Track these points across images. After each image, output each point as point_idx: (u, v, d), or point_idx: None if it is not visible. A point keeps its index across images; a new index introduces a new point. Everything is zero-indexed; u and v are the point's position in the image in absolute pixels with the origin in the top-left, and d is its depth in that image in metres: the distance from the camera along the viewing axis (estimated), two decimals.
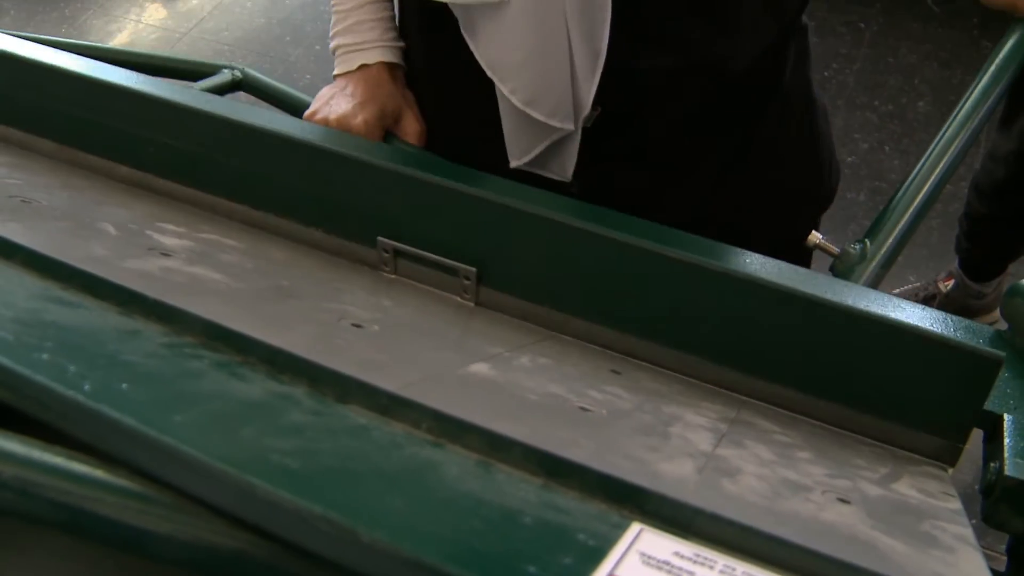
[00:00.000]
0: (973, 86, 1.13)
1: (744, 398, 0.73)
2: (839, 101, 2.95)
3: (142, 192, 0.91)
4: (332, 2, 1.09)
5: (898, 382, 0.67)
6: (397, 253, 0.83)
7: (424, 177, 0.80)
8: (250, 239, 0.85)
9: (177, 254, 0.73)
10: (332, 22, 1.09)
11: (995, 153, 2.02)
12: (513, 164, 1.03)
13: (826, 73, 3.04)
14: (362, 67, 1.07)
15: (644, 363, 0.76)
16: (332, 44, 1.09)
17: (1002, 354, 0.64)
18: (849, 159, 2.76)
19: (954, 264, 2.27)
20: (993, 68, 1.13)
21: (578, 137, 0.99)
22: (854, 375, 0.69)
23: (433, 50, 1.07)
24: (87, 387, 0.46)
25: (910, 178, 1.09)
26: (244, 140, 0.87)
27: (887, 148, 2.80)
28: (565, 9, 0.88)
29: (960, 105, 1.11)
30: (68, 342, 0.52)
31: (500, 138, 1.03)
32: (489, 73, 0.95)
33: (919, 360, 0.66)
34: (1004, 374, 0.70)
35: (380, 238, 0.83)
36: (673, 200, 1.07)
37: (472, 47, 0.95)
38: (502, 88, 0.95)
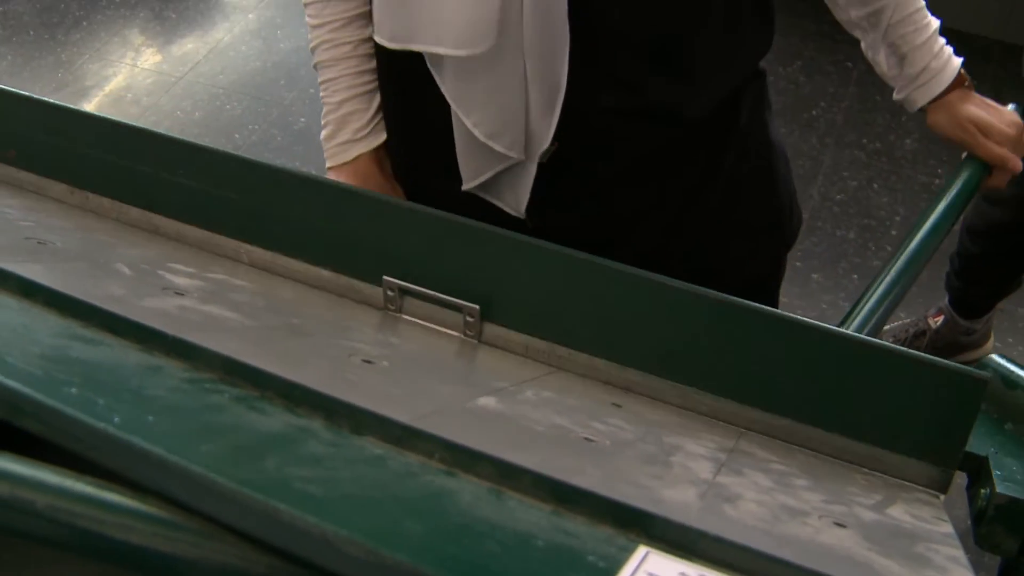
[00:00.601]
0: (921, 219, 1.17)
1: (742, 429, 0.75)
2: (828, 139, 2.99)
3: (151, 233, 0.93)
4: (322, 93, 1.14)
5: (890, 408, 0.70)
6: (402, 291, 0.86)
7: (428, 215, 0.82)
8: (258, 279, 0.87)
9: (190, 293, 0.75)
10: (323, 112, 1.14)
11: (992, 195, 2.02)
12: (465, 186, 1.06)
13: (814, 112, 3.09)
14: (352, 160, 1.13)
15: (644, 396, 0.78)
16: (322, 137, 1.14)
17: (987, 375, 0.67)
18: (838, 197, 2.80)
19: (944, 300, 2.29)
20: (942, 206, 1.17)
21: (533, 171, 1.02)
22: (848, 403, 0.71)
23: (397, 80, 1.12)
24: (116, 419, 0.48)
25: (858, 307, 1.10)
26: (253, 180, 0.89)
27: (876, 185, 2.84)
28: (523, 47, 0.92)
29: (908, 238, 1.14)
30: (94, 377, 0.54)
31: (456, 167, 1.06)
32: (454, 106, 0.99)
33: (909, 385, 0.69)
34: (980, 429, 0.73)
35: (386, 277, 0.86)
36: (629, 241, 1.11)
37: (439, 82, 0.99)
38: (465, 121, 0.99)
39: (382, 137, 1.14)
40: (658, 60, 1.00)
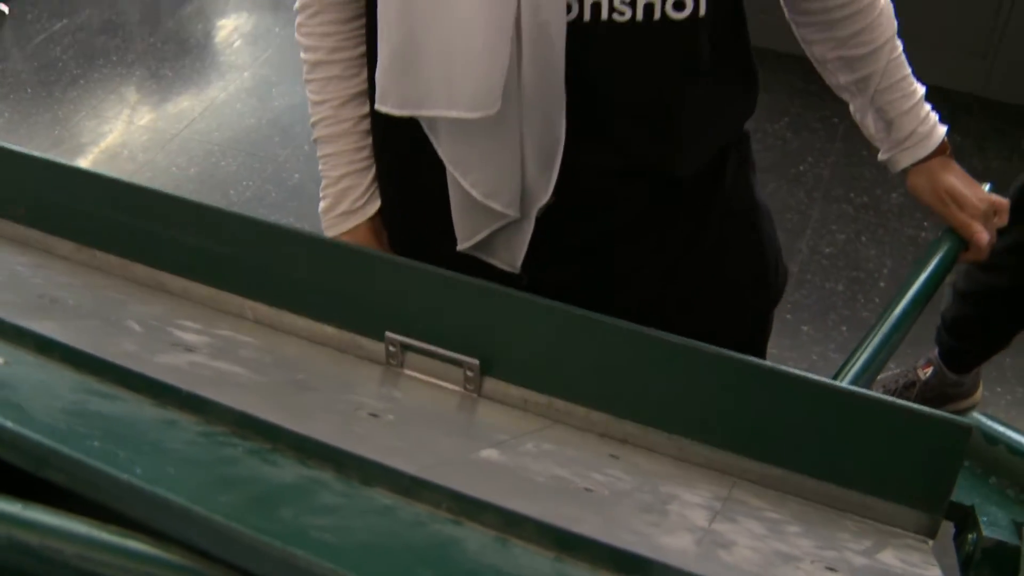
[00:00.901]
0: (900, 292, 1.21)
1: (735, 478, 0.77)
2: (816, 194, 3.03)
3: (158, 290, 0.96)
4: (321, 166, 1.18)
5: (878, 457, 0.72)
6: (404, 347, 0.88)
7: (428, 272, 0.85)
8: (264, 335, 0.90)
9: (200, 349, 0.77)
10: (322, 184, 1.19)
11: (985, 262, 2.03)
12: (461, 246, 1.09)
13: (802, 167, 3.14)
14: (350, 230, 1.18)
15: (640, 447, 0.80)
16: (321, 209, 1.19)
17: (971, 422, 0.69)
18: (827, 250, 2.84)
19: (934, 351, 2.31)
20: (922, 278, 1.22)
21: (529, 228, 1.05)
22: (837, 452, 0.73)
23: (393, 146, 1.15)
24: (138, 471, 0.50)
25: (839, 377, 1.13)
26: (256, 238, 0.92)
27: (863, 239, 2.88)
28: (522, 109, 0.96)
29: (887, 311, 1.18)
30: (114, 431, 0.57)
31: (451, 228, 1.09)
32: (451, 168, 1.02)
33: (895, 433, 0.71)
34: (965, 482, 0.75)
35: (388, 333, 0.88)
36: (620, 296, 1.14)
37: (435, 145, 1.02)
38: (463, 182, 1.02)
39: (377, 204, 1.19)
40: (648, 123, 1.04)
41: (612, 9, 0.95)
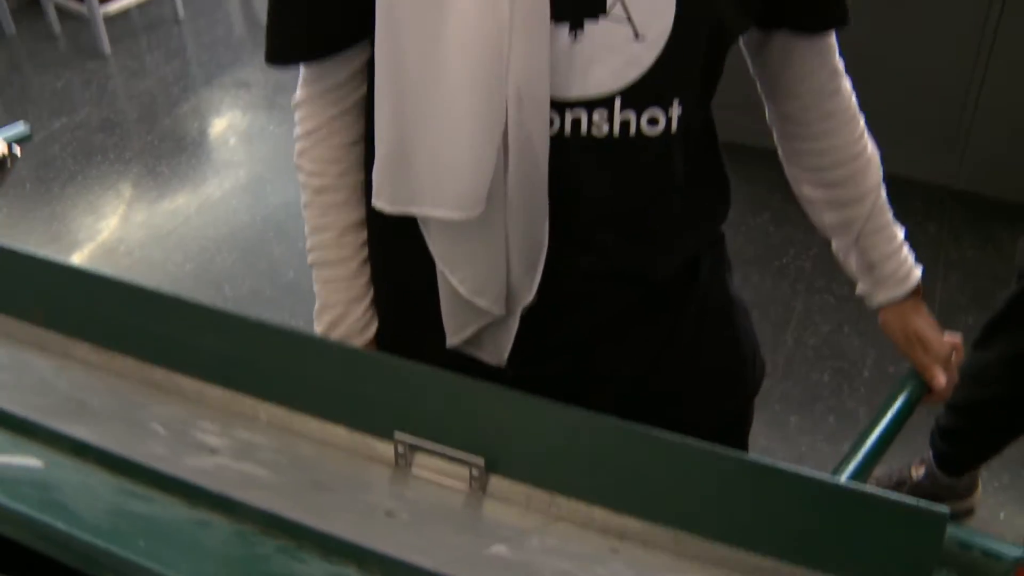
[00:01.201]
0: (865, 432, 1.27)
1: (729, 570, 0.82)
2: (799, 286, 3.10)
3: (175, 392, 1.00)
4: (316, 287, 1.21)
5: (863, 545, 0.77)
6: (412, 447, 0.92)
7: (434, 375, 0.90)
8: (278, 436, 0.94)
9: (222, 452, 0.82)
10: (318, 306, 1.21)
11: (976, 375, 2.04)
12: (450, 342, 1.14)
13: (784, 260, 3.21)
14: None
15: (639, 540, 0.85)
16: (318, 331, 1.21)
17: (946, 509, 0.74)
18: (811, 341, 2.90)
19: (928, 452, 2.31)
20: (887, 418, 1.29)
21: (515, 325, 1.11)
22: (826, 542, 0.78)
23: (386, 243, 1.20)
24: (184, 568, 0.55)
25: None
26: (266, 342, 0.97)
27: (846, 329, 2.94)
28: (507, 214, 1.01)
29: (852, 451, 1.24)
30: (155, 531, 0.61)
31: (439, 324, 1.14)
32: (440, 265, 1.08)
33: (878, 522, 0.76)
34: None
35: (396, 433, 0.93)
36: (602, 389, 1.20)
37: (428, 242, 1.07)
38: (451, 279, 1.07)
39: (375, 327, 1.23)
40: (625, 231, 1.10)
41: (591, 124, 1.01)
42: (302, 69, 1.13)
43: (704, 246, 1.22)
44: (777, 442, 2.55)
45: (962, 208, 3.40)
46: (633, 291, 1.16)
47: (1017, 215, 3.37)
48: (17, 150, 1.42)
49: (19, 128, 1.48)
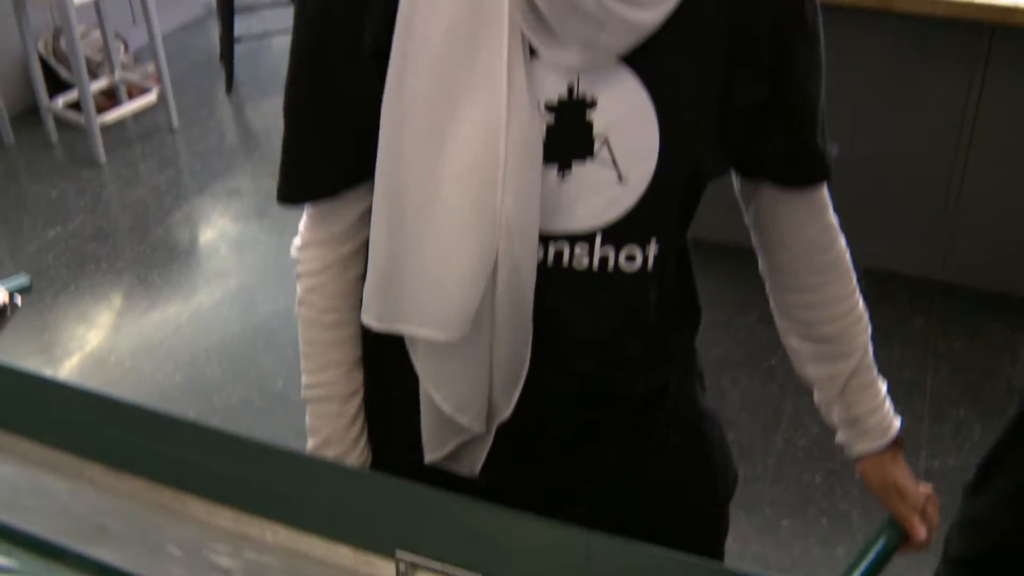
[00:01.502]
0: None
1: None
2: (788, 387, 3.11)
3: (186, 514, 1.02)
4: (311, 422, 1.22)
5: None
6: (413, 565, 0.95)
7: (435, 495, 0.93)
8: (285, 556, 0.96)
9: (234, 573, 0.84)
10: (311, 444, 1.22)
11: (976, 522, 1.97)
12: (428, 458, 1.17)
13: (773, 360, 3.23)
14: None
15: None
16: (310, 451, 1.22)
17: None
18: (801, 442, 2.91)
19: None
20: (864, 567, 1.31)
21: (490, 439, 1.15)
22: None
23: (369, 357, 1.23)
24: None
25: None
26: (271, 465, 1.00)
27: None
28: (492, 337, 1.06)
29: None
30: None
31: (417, 440, 1.17)
32: (424, 382, 1.11)
33: None
34: None
35: (398, 552, 0.95)
36: (574, 499, 1.23)
37: (413, 360, 1.11)
38: (434, 396, 1.11)
39: (368, 459, 1.24)
40: (601, 357, 1.16)
41: (572, 257, 1.06)
42: (309, 212, 1.15)
43: (675, 368, 1.28)
44: (769, 547, 2.55)
45: (949, 300, 3.44)
46: (605, 408, 1.21)
47: (1005, 306, 3.42)
48: (18, 299, 1.46)
49: (20, 280, 1.53)
